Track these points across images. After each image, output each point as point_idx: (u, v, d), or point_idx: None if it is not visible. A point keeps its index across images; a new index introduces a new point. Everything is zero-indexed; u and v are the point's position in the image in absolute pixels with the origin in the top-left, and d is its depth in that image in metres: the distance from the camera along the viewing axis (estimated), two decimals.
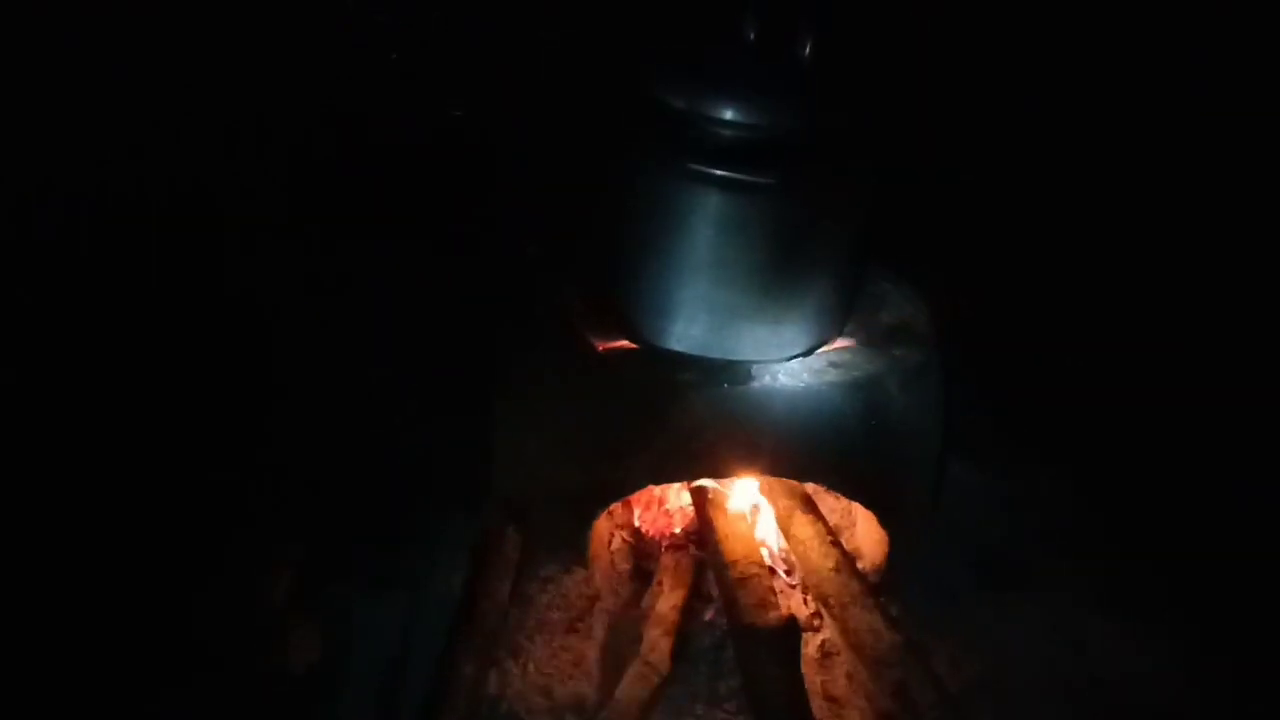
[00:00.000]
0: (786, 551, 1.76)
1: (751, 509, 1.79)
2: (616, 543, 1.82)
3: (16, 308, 1.79)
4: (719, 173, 1.36)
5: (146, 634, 1.47)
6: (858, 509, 1.79)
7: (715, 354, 1.54)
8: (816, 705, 1.49)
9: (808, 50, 1.40)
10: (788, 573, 1.78)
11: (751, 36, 1.41)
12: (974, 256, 2.40)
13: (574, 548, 1.67)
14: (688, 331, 1.53)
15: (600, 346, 1.64)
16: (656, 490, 1.87)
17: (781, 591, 1.71)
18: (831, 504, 1.85)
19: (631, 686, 1.48)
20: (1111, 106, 2.53)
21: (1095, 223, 2.57)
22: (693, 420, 1.56)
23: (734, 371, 1.54)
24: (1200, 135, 2.43)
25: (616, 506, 1.74)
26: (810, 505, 1.75)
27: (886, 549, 1.71)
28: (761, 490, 1.79)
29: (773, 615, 1.47)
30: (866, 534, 1.78)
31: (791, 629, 1.48)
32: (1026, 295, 2.40)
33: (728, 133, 1.36)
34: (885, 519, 1.64)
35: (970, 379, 1.82)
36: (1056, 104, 2.55)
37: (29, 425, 1.70)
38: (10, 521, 1.56)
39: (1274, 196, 2.39)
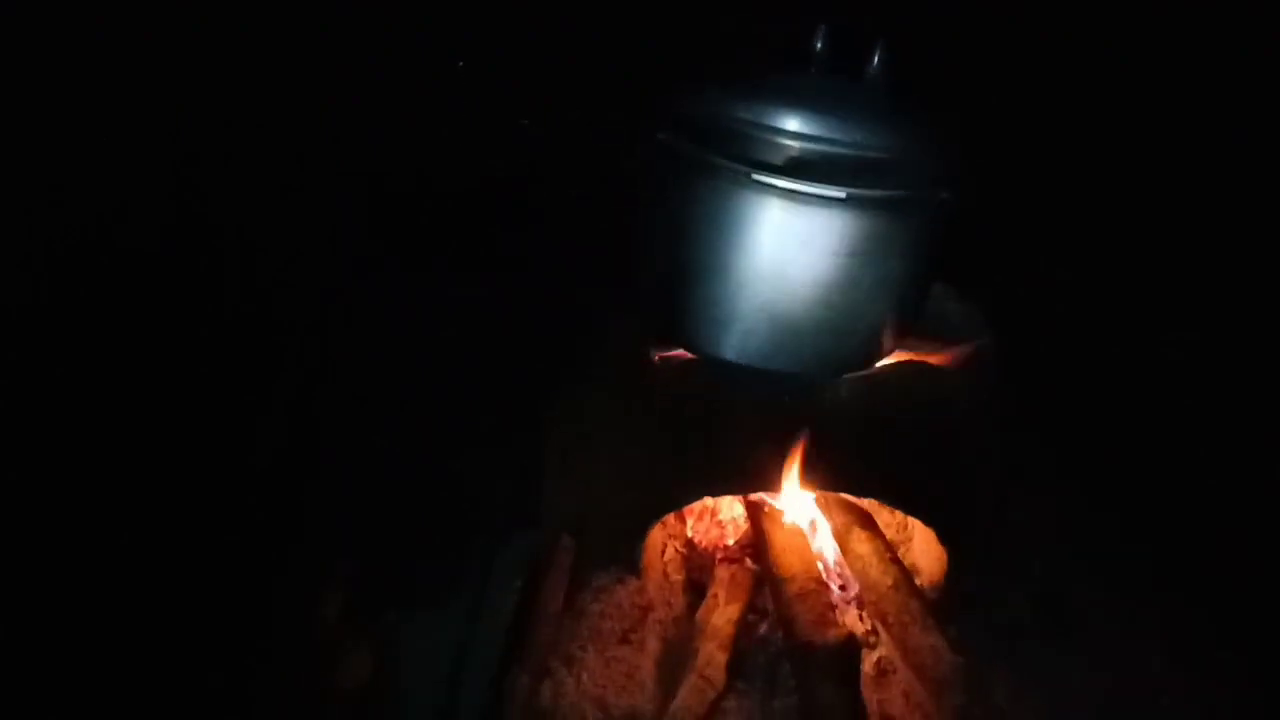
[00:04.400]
0: (843, 566, 1.74)
1: (809, 523, 1.77)
2: (669, 553, 1.81)
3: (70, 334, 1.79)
4: (784, 184, 1.34)
5: (198, 654, 1.47)
6: (915, 525, 1.77)
7: (774, 366, 1.52)
8: None
9: (877, 64, 1.38)
10: (843, 588, 1.76)
11: (821, 49, 1.40)
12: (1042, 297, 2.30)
13: (627, 558, 1.67)
14: (747, 343, 1.51)
15: (657, 356, 1.64)
16: (710, 500, 1.86)
17: (837, 607, 1.69)
18: (887, 518, 1.82)
19: (687, 700, 1.47)
20: None
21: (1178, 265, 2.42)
22: (750, 433, 1.55)
23: (793, 385, 1.52)
24: None
25: (669, 516, 1.73)
26: (868, 520, 1.73)
27: (945, 567, 1.68)
28: (818, 504, 1.78)
29: (831, 633, 1.45)
30: (924, 551, 1.75)
31: (851, 647, 1.46)
32: (1093, 341, 2.30)
33: (794, 145, 1.34)
34: (945, 536, 1.62)
35: (1034, 415, 1.77)
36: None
37: (73, 446, 1.70)
38: (57, 544, 1.56)
39: None
